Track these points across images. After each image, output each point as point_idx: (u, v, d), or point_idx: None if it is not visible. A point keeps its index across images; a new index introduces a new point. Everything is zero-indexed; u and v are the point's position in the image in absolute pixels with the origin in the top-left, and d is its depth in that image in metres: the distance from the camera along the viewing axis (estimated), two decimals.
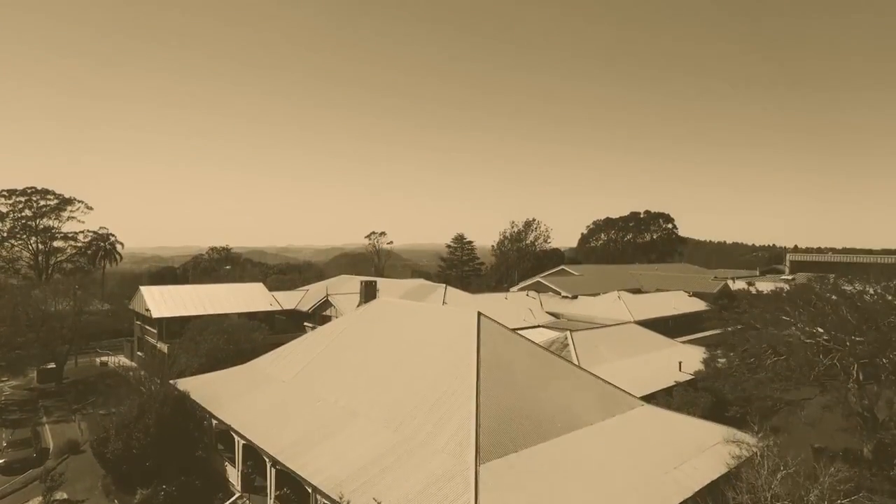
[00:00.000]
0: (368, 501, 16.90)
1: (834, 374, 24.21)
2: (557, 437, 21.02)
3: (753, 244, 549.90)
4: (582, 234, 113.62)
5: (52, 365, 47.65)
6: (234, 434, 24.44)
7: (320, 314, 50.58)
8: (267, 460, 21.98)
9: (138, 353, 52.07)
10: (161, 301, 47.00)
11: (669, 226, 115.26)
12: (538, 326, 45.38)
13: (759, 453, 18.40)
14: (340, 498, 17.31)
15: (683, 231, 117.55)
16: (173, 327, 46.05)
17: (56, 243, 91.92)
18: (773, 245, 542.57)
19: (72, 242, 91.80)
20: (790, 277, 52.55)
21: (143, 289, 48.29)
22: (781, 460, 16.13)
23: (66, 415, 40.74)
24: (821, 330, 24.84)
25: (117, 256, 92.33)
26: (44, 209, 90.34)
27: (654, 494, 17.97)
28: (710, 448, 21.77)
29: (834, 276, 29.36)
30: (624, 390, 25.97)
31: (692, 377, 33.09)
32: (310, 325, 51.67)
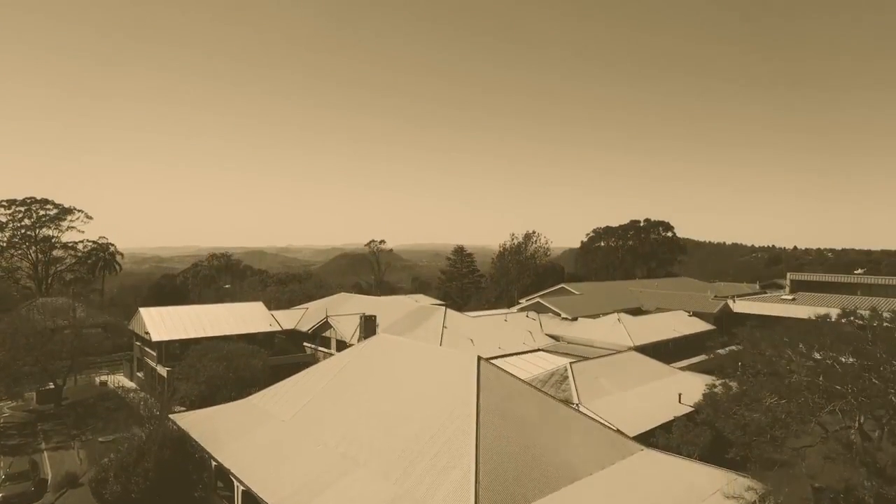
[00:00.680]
0: None
1: (836, 421, 24.15)
2: (557, 491, 20.97)
3: (753, 245, 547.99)
4: (582, 242, 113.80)
5: (52, 385, 47.64)
6: (233, 479, 24.39)
7: (320, 335, 50.53)
8: None
9: (138, 373, 52.05)
10: (160, 323, 46.95)
11: (669, 234, 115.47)
12: (538, 350, 45.34)
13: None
14: None
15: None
16: (173, 350, 46.04)
17: (56, 252, 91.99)
18: (773, 246, 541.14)
19: (71, 252, 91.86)
20: (791, 297, 52.43)
21: (143, 311, 48.22)
22: None
23: (66, 440, 40.69)
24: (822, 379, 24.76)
25: (117, 266, 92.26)
26: (43, 219, 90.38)
27: None
28: (709, 497, 21.76)
29: (838, 313, 29.17)
30: (624, 434, 25.91)
31: (692, 409, 33.05)
32: (310, 345, 51.66)
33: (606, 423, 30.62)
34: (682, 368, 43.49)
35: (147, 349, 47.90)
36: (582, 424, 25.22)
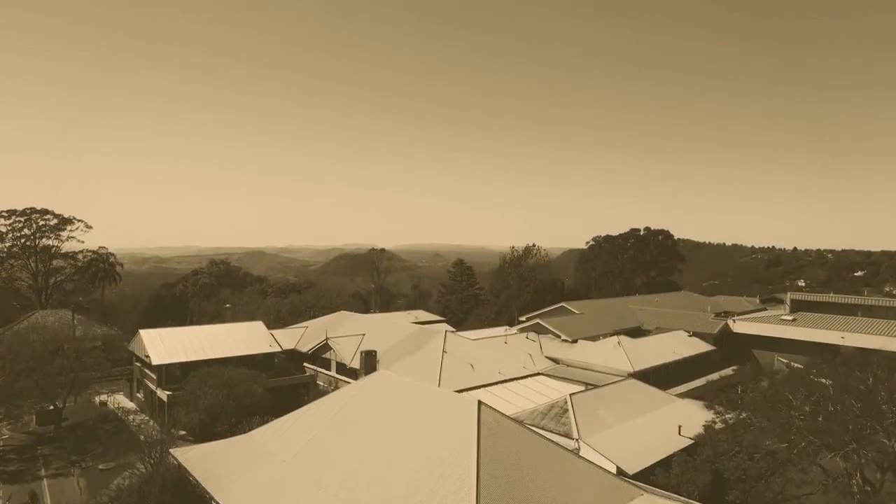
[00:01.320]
0: None
1: (836, 469, 24.19)
2: None
3: (753, 246, 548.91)
4: (583, 251, 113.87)
5: (51, 406, 47.64)
6: None
7: (320, 356, 50.56)
8: None
9: (137, 394, 52.07)
10: (160, 345, 46.96)
11: (669, 242, 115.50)
12: (538, 374, 45.39)
13: None
14: None
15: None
16: (173, 372, 46.08)
17: (55, 262, 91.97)
18: (773, 247, 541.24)
19: (71, 262, 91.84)
20: (791, 318, 52.44)
21: (143, 333, 48.22)
22: None
23: (66, 466, 40.72)
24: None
25: (117, 278, 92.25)
26: (43, 229, 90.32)
27: None
28: None
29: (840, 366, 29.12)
30: (625, 473, 25.93)
31: (692, 440, 33.10)
32: (310, 366, 51.68)
33: (607, 459, 30.74)
34: (682, 394, 43.58)
35: (147, 371, 47.91)
36: (583, 469, 25.22)
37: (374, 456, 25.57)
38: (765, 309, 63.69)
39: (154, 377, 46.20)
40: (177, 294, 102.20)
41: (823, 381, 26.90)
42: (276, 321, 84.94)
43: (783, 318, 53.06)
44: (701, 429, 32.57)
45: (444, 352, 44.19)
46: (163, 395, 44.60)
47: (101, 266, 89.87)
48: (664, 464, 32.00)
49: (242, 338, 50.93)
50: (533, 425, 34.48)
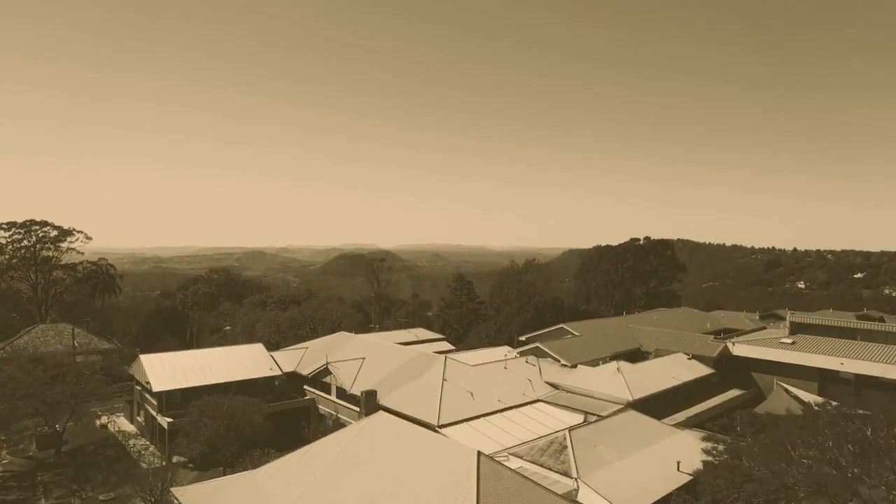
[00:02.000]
0: None
1: None
2: None
3: (752, 246, 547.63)
4: (583, 262, 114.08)
5: (51, 429, 47.68)
6: None
7: (321, 380, 50.66)
8: None
9: (137, 417, 52.18)
10: (161, 371, 47.04)
11: (669, 252, 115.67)
12: (537, 401, 45.49)
13: None
14: None
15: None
16: (173, 398, 46.17)
17: (55, 273, 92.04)
18: (773, 248, 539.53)
19: (71, 273, 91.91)
20: (790, 341, 52.53)
21: (144, 358, 48.29)
22: None
23: (66, 495, 40.78)
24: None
25: (117, 289, 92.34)
26: (43, 240, 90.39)
27: None
28: None
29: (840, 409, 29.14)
30: None
31: (690, 476, 33.24)
32: (311, 389, 51.78)
33: (606, 501, 30.85)
34: (681, 423, 43.69)
35: (147, 396, 47.99)
36: None
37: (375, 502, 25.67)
38: (764, 328, 63.74)
39: (154, 403, 46.27)
40: (177, 304, 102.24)
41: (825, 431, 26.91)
42: (275, 333, 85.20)
43: (782, 340, 53.12)
44: (700, 463, 32.71)
45: (444, 379, 44.24)
46: (163, 421, 44.70)
47: (100, 278, 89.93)
48: (663, 502, 32.19)
49: (243, 361, 51.01)
50: (532, 462, 34.66)
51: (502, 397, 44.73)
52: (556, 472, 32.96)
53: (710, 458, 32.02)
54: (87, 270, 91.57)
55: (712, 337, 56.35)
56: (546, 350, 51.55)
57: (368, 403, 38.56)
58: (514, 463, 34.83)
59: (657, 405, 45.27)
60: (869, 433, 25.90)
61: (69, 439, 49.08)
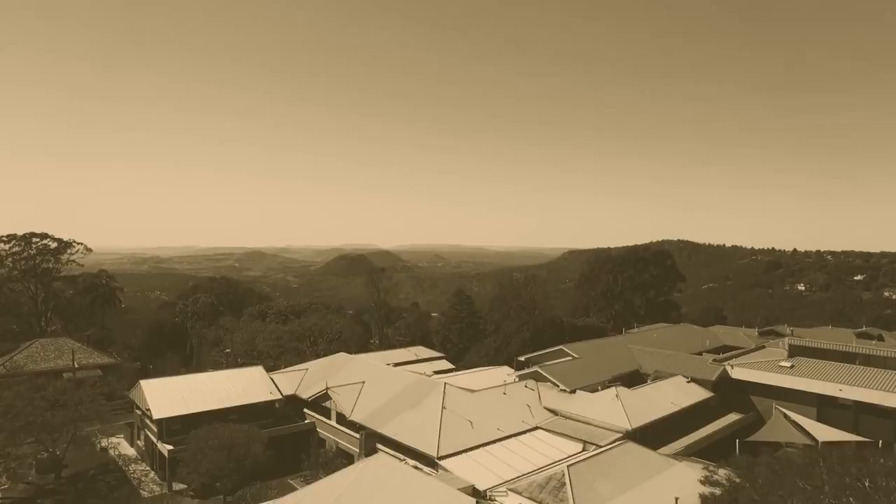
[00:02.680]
0: None
1: None
2: None
3: (752, 247, 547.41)
4: (583, 272, 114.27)
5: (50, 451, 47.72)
6: None
7: (321, 404, 50.78)
8: None
9: (138, 441, 52.31)
10: (161, 397, 47.14)
11: (669, 262, 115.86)
12: (536, 429, 45.60)
13: None
14: None
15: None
16: (174, 425, 46.31)
17: (55, 285, 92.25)
18: (773, 248, 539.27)
19: (71, 286, 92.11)
20: (789, 365, 52.61)
21: (144, 384, 48.41)
22: None
23: None
24: None
25: (117, 302, 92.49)
26: (43, 251, 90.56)
27: None
28: None
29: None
30: None
31: None
32: (311, 413, 51.89)
33: None
34: (680, 451, 43.81)
35: (148, 422, 48.11)
36: None
37: None
38: (763, 346, 63.74)
39: (154, 430, 46.40)
40: (177, 314, 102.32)
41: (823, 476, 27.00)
42: (276, 346, 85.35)
43: (781, 364, 53.16)
44: (698, 499, 32.85)
45: (443, 407, 44.35)
46: (164, 449, 44.85)
47: (100, 290, 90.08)
48: None
49: (243, 385, 51.14)
50: (531, 499, 34.75)
51: (502, 425, 44.83)
52: None
53: (707, 492, 32.23)
54: (87, 282, 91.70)
55: (711, 359, 56.38)
56: (545, 374, 51.64)
57: (367, 444, 38.70)
58: (513, 500, 34.99)
59: (656, 433, 45.36)
60: (867, 484, 26.00)
61: (69, 463, 49.16)
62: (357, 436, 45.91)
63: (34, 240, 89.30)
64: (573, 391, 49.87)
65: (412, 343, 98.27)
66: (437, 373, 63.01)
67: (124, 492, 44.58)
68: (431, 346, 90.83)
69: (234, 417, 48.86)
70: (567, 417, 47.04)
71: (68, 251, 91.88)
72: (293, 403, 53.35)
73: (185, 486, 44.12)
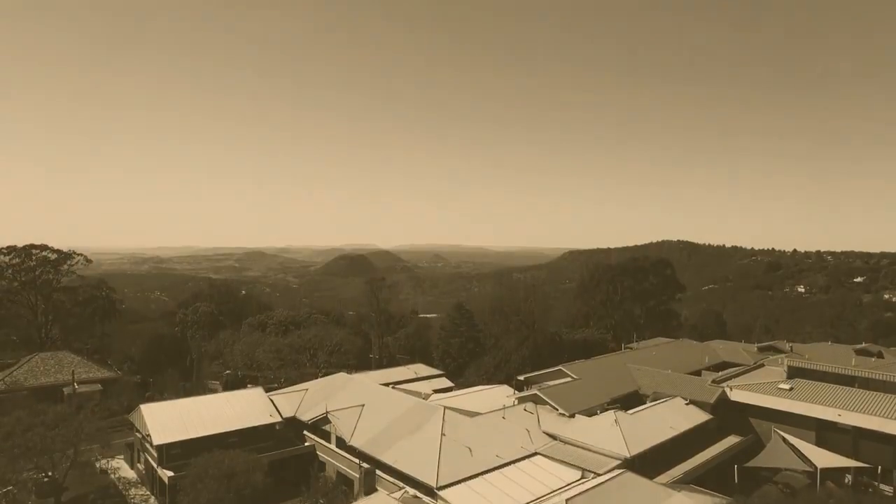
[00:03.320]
0: None
1: None
2: None
3: (752, 248, 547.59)
4: (583, 282, 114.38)
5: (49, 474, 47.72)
6: None
7: (320, 428, 50.87)
8: None
9: (138, 464, 52.42)
10: (161, 422, 47.21)
11: (668, 272, 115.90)
12: (535, 454, 45.68)
13: None
14: None
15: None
16: (174, 450, 46.40)
17: (56, 297, 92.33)
18: (773, 249, 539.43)
19: (71, 297, 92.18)
20: (787, 387, 52.70)
21: (144, 409, 48.48)
22: None
23: None
24: None
25: (117, 314, 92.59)
26: (43, 263, 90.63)
27: None
28: None
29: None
30: None
31: None
32: (311, 435, 51.98)
33: None
34: (678, 480, 43.91)
35: (148, 446, 48.20)
36: None
37: None
38: (762, 365, 63.80)
39: (155, 455, 46.50)
40: (176, 326, 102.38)
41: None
42: (275, 359, 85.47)
43: (780, 386, 53.24)
44: None
45: (442, 434, 44.44)
46: (164, 475, 44.94)
47: (100, 302, 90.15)
48: None
49: (243, 408, 51.22)
50: None
51: (501, 451, 44.89)
52: None
53: None
54: (87, 294, 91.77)
55: (710, 380, 56.49)
56: (544, 398, 51.72)
57: (367, 484, 38.79)
58: None
59: (655, 459, 45.47)
60: None
61: (69, 486, 49.21)
62: (357, 461, 46.06)
63: (34, 251, 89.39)
64: (572, 415, 49.96)
65: (412, 355, 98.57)
66: (436, 391, 63.24)
67: None
68: (431, 360, 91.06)
69: (235, 440, 49.04)
70: (566, 442, 47.11)
71: (68, 262, 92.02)
72: (293, 425, 53.43)
73: None
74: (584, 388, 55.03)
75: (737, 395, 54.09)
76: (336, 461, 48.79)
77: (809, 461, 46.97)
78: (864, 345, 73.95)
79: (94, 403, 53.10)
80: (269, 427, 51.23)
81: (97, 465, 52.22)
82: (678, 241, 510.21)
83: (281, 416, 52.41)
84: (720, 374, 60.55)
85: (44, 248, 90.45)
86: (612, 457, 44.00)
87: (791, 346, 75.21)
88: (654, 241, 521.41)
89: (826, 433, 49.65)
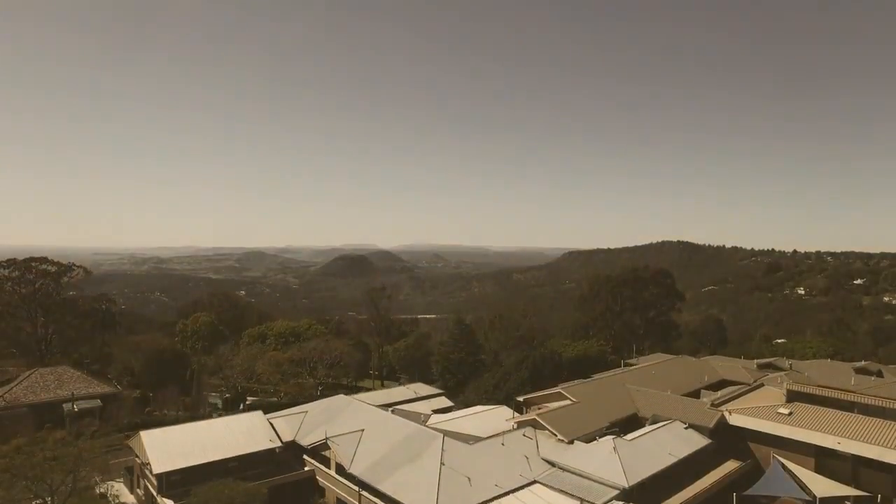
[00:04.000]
0: None
1: None
2: None
3: (752, 248, 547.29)
4: (582, 293, 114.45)
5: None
6: None
7: (320, 453, 50.95)
8: None
9: (137, 489, 52.50)
10: (161, 449, 47.26)
11: (668, 282, 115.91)
12: (534, 483, 45.76)
13: None
14: None
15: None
16: (174, 477, 46.49)
17: (55, 310, 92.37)
18: (773, 249, 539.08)
19: (71, 310, 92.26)
20: (787, 412, 52.73)
21: (144, 435, 48.53)
22: None
23: None
24: None
25: (117, 327, 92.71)
26: (43, 276, 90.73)
27: None
28: None
29: None
30: None
31: None
32: (311, 460, 52.06)
33: None
34: None
35: (148, 473, 48.26)
36: None
37: None
38: (762, 384, 63.82)
39: (154, 482, 46.57)
40: (176, 337, 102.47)
41: None
42: (275, 372, 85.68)
43: (779, 411, 53.24)
44: None
45: (441, 463, 44.52)
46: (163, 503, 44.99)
47: (100, 315, 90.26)
48: None
49: (243, 433, 51.29)
50: None
51: (500, 480, 44.98)
52: None
53: None
54: (87, 307, 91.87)
55: (709, 403, 56.53)
56: (543, 423, 51.78)
57: None
58: None
59: (654, 485, 45.53)
60: None
61: None
62: (356, 489, 46.18)
63: (33, 264, 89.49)
64: (571, 441, 50.00)
65: (411, 367, 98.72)
66: (435, 412, 63.28)
67: None
68: (430, 372, 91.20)
69: (235, 465, 49.19)
70: (564, 470, 47.19)
71: (67, 275, 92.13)
72: (293, 449, 53.50)
73: None
74: (582, 411, 55.05)
75: (736, 420, 54.09)
76: (336, 487, 48.89)
77: (809, 490, 46.98)
78: (863, 363, 73.95)
79: (94, 430, 52.92)
80: (269, 452, 51.33)
81: (97, 490, 52.47)
82: (678, 241, 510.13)
83: (281, 440, 52.50)
84: (719, 394, 60.62)
85: (43, 260, 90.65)
86: (610, 486, 44.02)
87: (790, 364, 75.25)
88: (655, 241, 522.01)
89: (825, 460, 49.64)
